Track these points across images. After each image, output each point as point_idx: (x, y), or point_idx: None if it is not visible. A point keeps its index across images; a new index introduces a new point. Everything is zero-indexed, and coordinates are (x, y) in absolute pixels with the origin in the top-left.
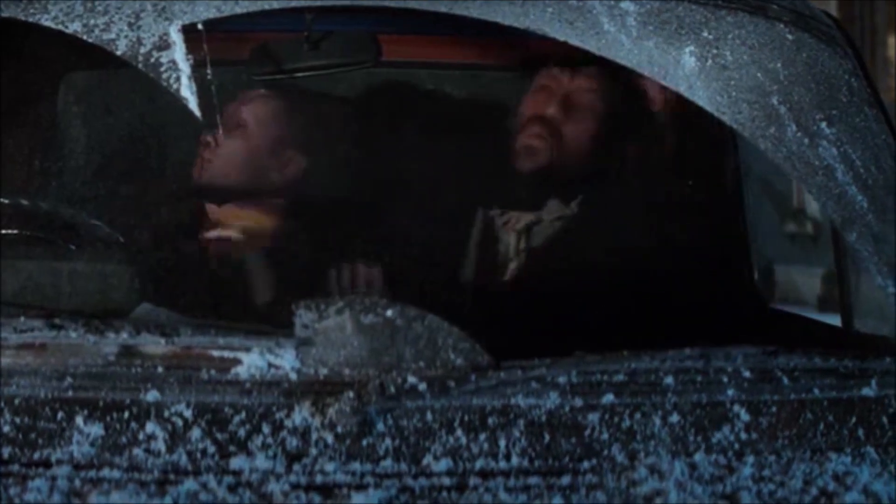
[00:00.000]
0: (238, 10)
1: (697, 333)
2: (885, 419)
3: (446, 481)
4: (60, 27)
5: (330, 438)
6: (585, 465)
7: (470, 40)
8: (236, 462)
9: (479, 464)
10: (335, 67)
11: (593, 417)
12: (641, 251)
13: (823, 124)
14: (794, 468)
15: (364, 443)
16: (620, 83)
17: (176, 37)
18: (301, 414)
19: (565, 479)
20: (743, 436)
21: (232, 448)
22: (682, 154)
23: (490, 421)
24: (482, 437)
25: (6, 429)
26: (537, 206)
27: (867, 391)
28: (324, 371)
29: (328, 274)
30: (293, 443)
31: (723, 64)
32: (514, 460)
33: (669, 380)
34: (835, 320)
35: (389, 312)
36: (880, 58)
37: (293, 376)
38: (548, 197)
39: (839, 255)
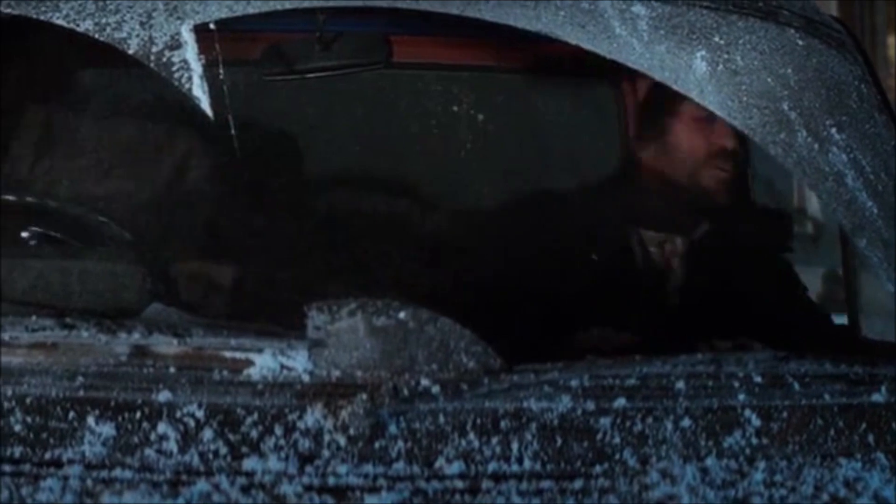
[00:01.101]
0: (250, 10)
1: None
2: (895, 425)
3: (459, 484)
4: (72, 25)
5: (342, 440)
6: (597, 468)
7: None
8: (249, 463)
9: (491, 467)
10: (347, 68)
11: (605, 421)
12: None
13: (833, 130)
14: (804, 473)
15: (376, 445)
16: None
17: (188, 36)
18: (313, 416)
19: (577, 483)
20: (754, 441)
21: (244, 449)
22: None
23: (502, 424)
24: (494, 440)
25: (18, 428)
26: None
27: (877, 397)
28: (336, 373)
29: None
30: (305, 444)
31: (734, 69)
32: (527, 464)
33: (681, 384)
34: (836, 321)
35: (402, 315)
36: (880, 58)
37: (306, 378)
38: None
39: (847, 260)
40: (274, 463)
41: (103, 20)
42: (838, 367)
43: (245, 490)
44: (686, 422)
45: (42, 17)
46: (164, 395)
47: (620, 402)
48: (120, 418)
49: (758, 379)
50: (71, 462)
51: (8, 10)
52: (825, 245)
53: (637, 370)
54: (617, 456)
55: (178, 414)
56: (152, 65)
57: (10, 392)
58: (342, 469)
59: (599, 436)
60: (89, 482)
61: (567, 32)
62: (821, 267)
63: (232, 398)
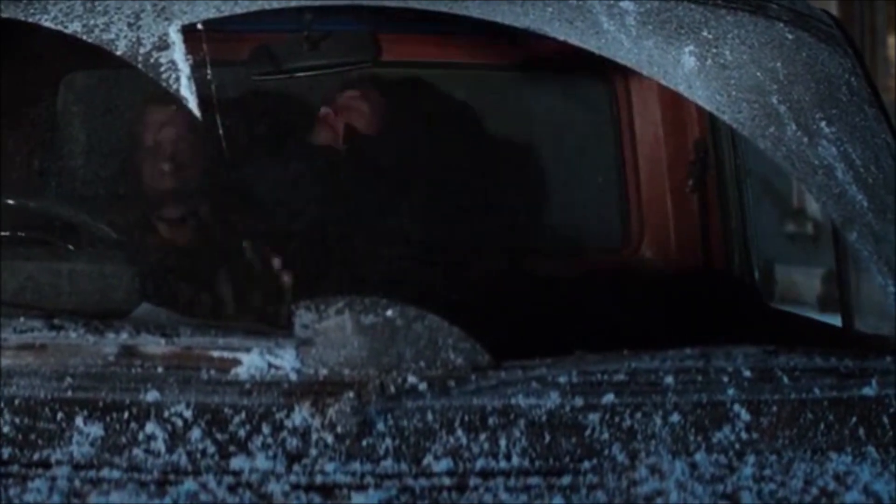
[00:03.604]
0: (237, 10)
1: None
2: (885, 419)
3: (447, 481)
4: (60, 27)
5: (330, 438)
6: (586, 464)
7: None
8: (236, 462)
9: (479, 464)
10: (334, 67)
11: (594, 417)
12: None
13: (823, 123)
14: (794, 468)
15: (364, 443)
16: None
17: (175, 37)
18: (301, 414)
19: (566, 479)
20: (743, 435)
21: (232, 448)
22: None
23: (490, 421)
24: (482, 436)
25: (6, 429)
26: None
27: (867, 391)
28: (324, 371)
29: None
30: (293, 443)
31: (722, 63)
32: (515, 460)
33: (670, 379)
34: (835, 320)
35: (389, 312)
36: (880, 58)
37: (293, 376)
38: None
39: (839, 255)
40: (261, 461)
41: (91, 22)
42: (828, 361)
43: (232, 489)
44: (675, 417)
45: (31, 20)
46: (152, 395)
47: (609, 397)
48: (108, 418)
49: (747, 373)
50: (59, 463)
51: None
52: (825, 245)
53: (625, 365)
54: (605, 452)
55: (166, 414)
56: (140, 66)
57: None
58: (330, 467)
59: (588, 432)
60: (77, 482)
61: (555, 28)
62: (820, 267)
63: (220, 397)
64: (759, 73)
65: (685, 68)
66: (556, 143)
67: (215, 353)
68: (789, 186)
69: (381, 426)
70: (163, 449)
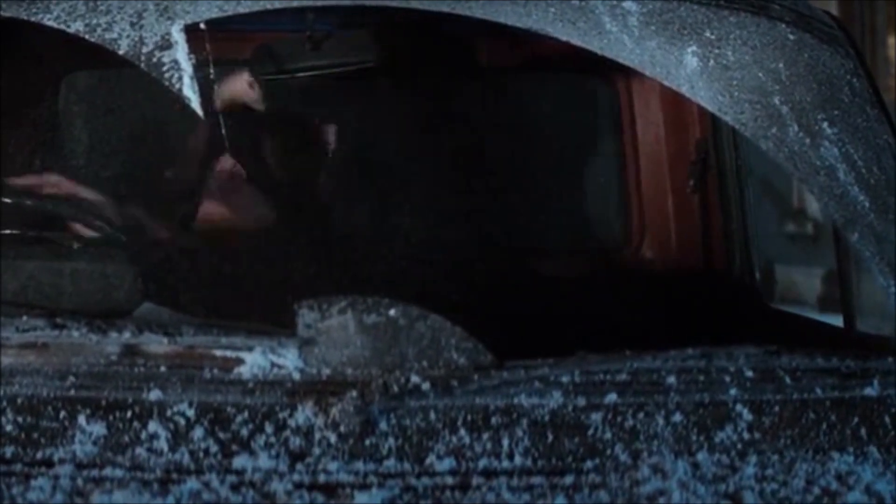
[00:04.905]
0: (240, 9)
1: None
2: (887, 419)
3: (449, 481)
4: (62, 27)
5: (333, 438)
6: (589, 464)
7: None
8: (239, 461)
9: (482, 463)
10: (337, 67)
11: (596, 417)
12: None
13: (825, 124)
14: (796, 468)
15: (367, 442)
16: None
17: (178, 36)
18: (304, 413)
19: (568, 479)
20: (746, 435)
21: (235, 447)
22: None
23: (493, 420)
24: (485, 436)
25: (9, 428)
26: None
27: (869, 391)
28: (327, 370)
29: None
30: (296, 442)
31: (725, 64)
32: (518, 460)
33: (672, 379)
34: (836, 320)
35: (392, 312)
36: (880, 58)
37: (296, 376)
38: None
39: (841, 255)
40: (264, 461)
41: (94, 21)
42: (830, 361)
43: (235, 488)
44: (677, 417)
45: (33, 19)
46: (154, 394)
47: (611, 397)
48: (111, 417)
49: (749, 373)
50: (62, 461)
51: None
52: (825, 245)
53: (628, 365)
54: (608, 451)
55: (169, 413)
56: (143, 65)
57: (0, 392)
58: (333, 466)
59: (590, 431)
60: (80, 481)
61: (557, 29)
62: (820, 267)
63: (223, 396)
64: (761, 74)
65: (687, 69)
66: (557, 143)
67: (218, 353)
68: (790, 187)
69: (383, 426)
70: (165, 448)
